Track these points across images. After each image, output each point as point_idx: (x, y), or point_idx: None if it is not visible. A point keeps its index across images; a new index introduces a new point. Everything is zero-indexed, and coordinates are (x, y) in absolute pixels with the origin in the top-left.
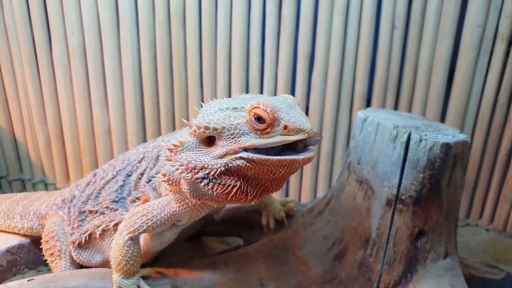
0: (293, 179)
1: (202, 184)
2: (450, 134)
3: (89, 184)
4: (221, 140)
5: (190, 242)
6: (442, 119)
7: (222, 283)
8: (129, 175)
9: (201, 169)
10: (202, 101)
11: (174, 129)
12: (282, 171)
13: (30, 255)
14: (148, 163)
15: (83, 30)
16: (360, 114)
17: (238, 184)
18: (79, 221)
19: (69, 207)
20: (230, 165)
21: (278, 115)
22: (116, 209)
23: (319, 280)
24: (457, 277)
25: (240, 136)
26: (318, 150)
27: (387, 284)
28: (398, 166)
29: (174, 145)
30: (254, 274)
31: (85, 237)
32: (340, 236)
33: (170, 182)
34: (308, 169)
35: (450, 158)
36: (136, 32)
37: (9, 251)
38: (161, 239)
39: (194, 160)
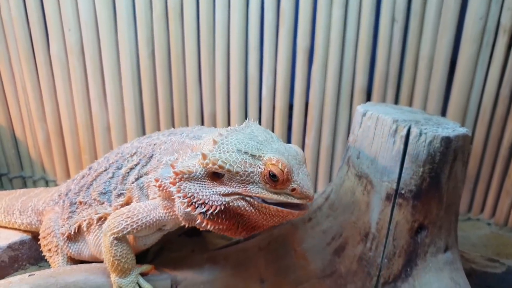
0: None
1: (199, 219)
2: (451, 127)
3: (84, 177)
4: (229, 180)
5: (190, 237)
6: (443, 112)
7: (222, 277)
8: (119, 168)
9: (202, 205)
10: (201, 97)
11: (173, 125)
12: (276, 220)
13: (32, 251)
14: (140, 159)
15: (80, 27)
16: (359, 108)
17: (231, 225)
18: (70, 212)
19: (63, 201)
20: (231, 204)
21: (291, 177)
22: (102, 202)
23: (318, 274)
24: (458, 271)
25: (250, 184)
26: (318, 145)
27: (386, 278)
28: (398, 160)
29: (181, 171)
30: (253, 268)
31: (74, 228)
32: (340, 230)
33: (161, 188)
34: (308, 164)
35: (451, 152)
36: (133, 28)
37: (10, 247)
38: (145, 240)
39: (198, 193)
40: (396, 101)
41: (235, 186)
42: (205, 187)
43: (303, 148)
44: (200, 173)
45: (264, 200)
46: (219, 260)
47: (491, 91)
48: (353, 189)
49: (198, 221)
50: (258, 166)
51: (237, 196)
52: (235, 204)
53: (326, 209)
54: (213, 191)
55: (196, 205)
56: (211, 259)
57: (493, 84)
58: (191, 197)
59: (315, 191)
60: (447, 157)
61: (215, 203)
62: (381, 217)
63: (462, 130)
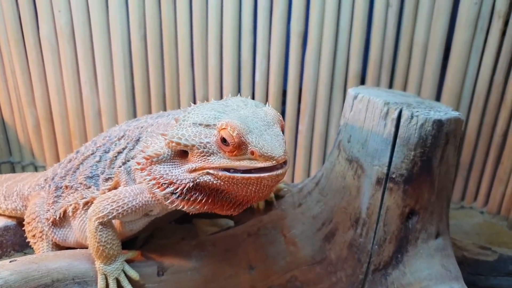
0: None
1: (171, 199)
2: (443, 111)
3: (71, 161)
4: (193, 156)
5: (180, 224)
6: (438, 98)
7: (210, 264)
8: (106, 152)
9: (170, 184)
10: (193, 81)
11: (164, 109)
12: (252, 188)
13: (17, 237)
14: (128, 143)
15: (71, 8)
16: (351, 91)
17: (209, 199)
18: (55, 197)
19: (49, 185)
20: (197, 180)
21: (245, 139)
22: (89, 187)
23: (308, 261)
24: (449, 257)
25: (210, 155)
26: (312, 131)
27: (377, 265)
28: (389, 144)
29: (149, 155)
30: (242, 255)
31: (60, 214)
32: (330, 216)
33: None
34: (301, 150)
35: (442, 135)
36: (125, 10)
37: None
38: (131, 226)
39: (166, 174)
40: (390, 86)
41: (198, 161)
42: (174, 167)
43: (296, 134)
44: (168, 154)
45: (227, 170)
46: (207, 247)
47: (485, 77)
48: (343, 174)
49: (175, 203)
50: (213, 135)
51: (202, 171)
52: (201, 180)
53: (317, 194)
54: (182, 169)
55: (165, 186)
56: (199, 245)
57: (487, 70)
58: (159, 178)
59: (307, 177)
60: (439, 141)
61: (183, 181)
62: (372, 202)
63: (455, 114)
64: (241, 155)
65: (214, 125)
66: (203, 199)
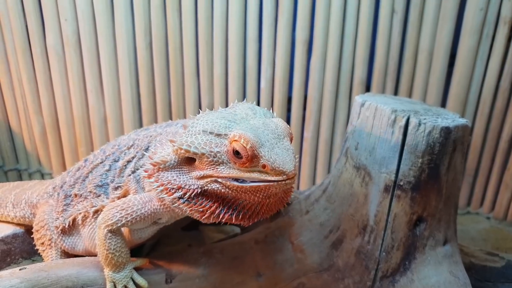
0: None
1: (178, 203)
2: (450, 118)
3: (79, 169)
4: (201, 164)
5: (187, 231)
6: (443, 105)
7: (218, 271)
8: (116, 161)
9: (178, 189)
10: (199, 89)
11: (170, 117)
12: (260, 196)
13: (25, 245)
14: (137, 152)
15: (77, 17)
16: (358, 98)
17: (214, 206)
18: (64, 205)
19: (58, 193)
20: (206, 187)
21: (258, 153)
22: (99, 195)
23: (316, 268)
24: (457, 264)
25: (219, 165)
26: (317, 138)
27: (385, 272)
28: (397, 151)
29: (156, 162)
30: (250, 262)
31: (69, 222)
32: (337, 223)
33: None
34: (306, 157)
35: (450, 142)
36: (131, 18)
37: (3, 240)
38: (140, 234)
39: (174, 180)
40: (396, 94)
41: (207, 169)
42: (182, 173)
43: (301, 141)
44: (174, 161)
45: (236, 180)
46: (215, 254)
47: (491, 83)
48: (351, 181)
49: (181, 207)
50: (224, 145)
51: (210, 179)
52: (209, 187)
53: (324, 201)
54: (190, 176)
55: (173, 191)
56: (207, 252)
57: (493, 76)
58: (167, 184)
59: (313, 184)
60: (447, 148)
61: (191, 187)
62: (380, 209)
63: (462, 121)
64: (252, 167)
65: (226, 134)
66: (211, 205)
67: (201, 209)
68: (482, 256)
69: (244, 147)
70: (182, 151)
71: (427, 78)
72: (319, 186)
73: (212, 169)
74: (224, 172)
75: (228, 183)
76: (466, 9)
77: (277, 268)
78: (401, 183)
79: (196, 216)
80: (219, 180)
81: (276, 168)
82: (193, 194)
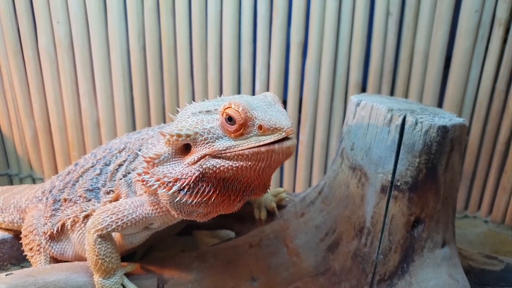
0: (287, 169)
1: (179, 196)
2: (447, 117)
3: (70, 173)
4: (196, 147)
5: (181, 236)
6: (439, 107)
7: (211, 275)
8: (107, 165)
9: (175, 182)
10: (193, 92)
11: (164, 121)
12: (262, 165)
13: (14, 251)
14: (128, 155)
15: (70, 19)
16: (353, 98)
17: (216, 190)
18: (53, 210)
19: (47, 198)
20: (204, 166)
21: (251, 114)
22: (89, 199)
23: (312, 272)
24: (456, 266)
25: (215, 141)
26: (312, 141)
27: (382, 275)
28: (393, 151)
29: (150, 157)
30: (244, 266)
31: (57, 227)
32: (333, 225)
33: (144, 183)
34: (302, 159)
35: (447, 142)
36: (124, 21)
37: None
38: (131, 239)
39: (169, 172)
40: (391, 95)
41: (202, 149)
42: (177, 164)
43: (297, 144)
44: (168, 153)
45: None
46: (208, 258)
47: (487, 85)
48: (347, 182)
49: (183, 200)
50: (216, 119)
51: (206, 158)
52: (208, 165)
53: (319, 203)
54: (184, 165)
55: (171, 185)
56: (200, 257)
57: (489, 78)
58: (163, 178)
59: (309, 187)
60: (444, 147)
61: (189, 174)
62: (376, 210)
63: (459, 120)
64: (247, 133)
65: (216, 109)
66: (211, 190)
67: (202, 196)
68: (481, 259)
69: (237, 110)
70: (174, 137)
71: (423, 80)
72: (314, 188)
73: (208, 148)
74: (221, 146)
75: (227, 153)
76: (461, 11)
77: (272, 272)
78: (398, 184)
79: (198, 208)
80: (217, 155)
81: (273, 126)
82: (191, 181)
